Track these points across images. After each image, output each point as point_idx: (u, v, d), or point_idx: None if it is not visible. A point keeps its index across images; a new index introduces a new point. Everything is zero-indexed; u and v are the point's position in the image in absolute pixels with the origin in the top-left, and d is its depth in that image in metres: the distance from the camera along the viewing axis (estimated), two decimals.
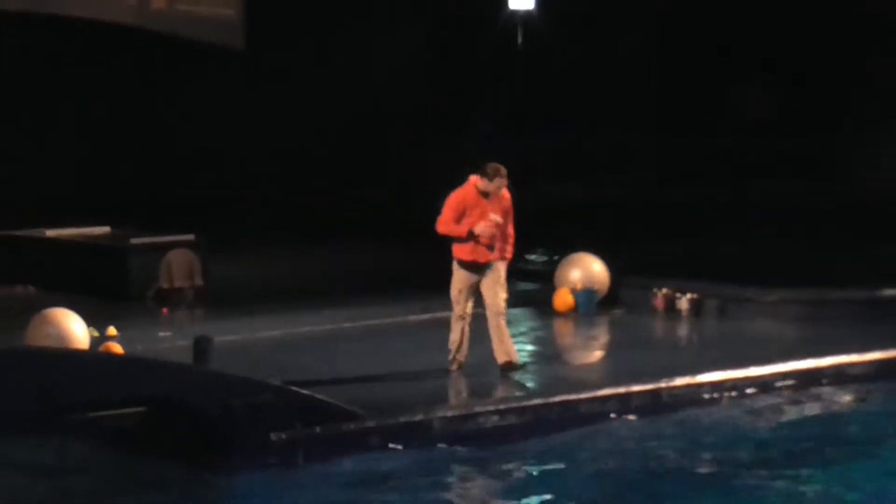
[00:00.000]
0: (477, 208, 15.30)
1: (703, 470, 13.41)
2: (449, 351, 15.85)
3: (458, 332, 15.76)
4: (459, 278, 15.58)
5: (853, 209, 29.47)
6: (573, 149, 34.50)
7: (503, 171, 15.42)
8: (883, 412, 15.55)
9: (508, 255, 15.75)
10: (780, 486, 12.78)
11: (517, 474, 13.19)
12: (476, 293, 15.69)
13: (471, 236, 15.27)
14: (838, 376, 16.38)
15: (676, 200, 30.33)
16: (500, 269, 15.65)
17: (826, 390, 16.06)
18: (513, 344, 16.01)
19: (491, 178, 15.37)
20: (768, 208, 29.41)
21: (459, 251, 15.43)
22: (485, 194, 15.39)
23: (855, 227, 26.72)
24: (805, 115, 34.93)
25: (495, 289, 15.62)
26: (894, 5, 33.69)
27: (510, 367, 15.78)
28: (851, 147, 33.90)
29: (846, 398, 15.89)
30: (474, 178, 15.49)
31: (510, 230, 15.67)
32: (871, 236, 25.04)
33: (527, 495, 12.69)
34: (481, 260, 15.43)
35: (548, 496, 12.69)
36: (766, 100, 36.19)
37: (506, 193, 15.57)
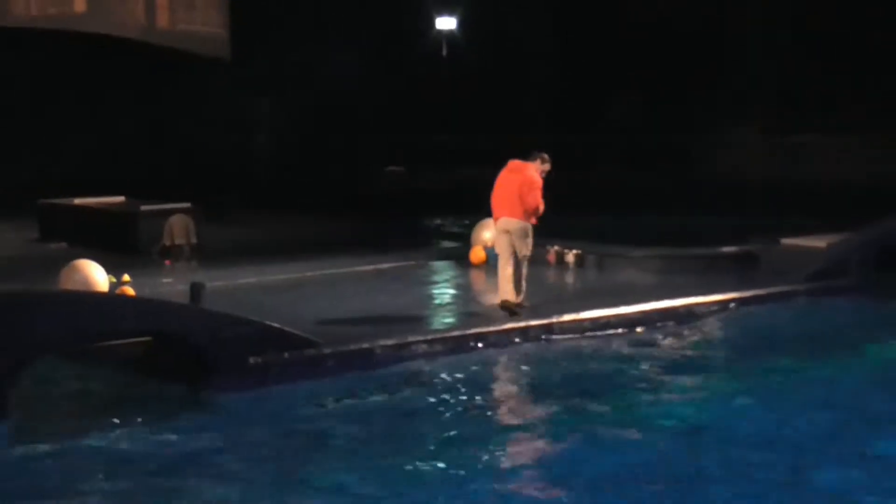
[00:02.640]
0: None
1: (586, 383, 13.47)
2: (521, 290, 15.68)
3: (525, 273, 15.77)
4: (531, 239, 15.58)
5: (699, 189, 29.70)
6: (484, 141, 34.55)
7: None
8: (719, 341, 15.67)
9: None
10: (641, 396, 12.88)
11: (442, 386, 13.18)
12: None
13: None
14: (687, 314, 16.46)
15: (565, 182, 30.36)
16: None
17: (678, 324, 16.14)
18: (513, 287, 15.80)
19: (543, 163, 15.63)
20: (636, 189, 29.56)
21: (535, 220, 15.49)
22: None
23: (700, 202, 26.93)
24: (664, 118, 35.16)
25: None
26: (733, 36, 34.07)
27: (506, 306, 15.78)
28: (698, 143, 34.16)
29: (693, 330, 15.96)
30: (535, 165, 15.54)
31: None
32: (711, 209, 25.25)
33: (449, 399, 12.70)
34: None
35: (466, 399, 12.74)
36: (635, 106, 36.36)
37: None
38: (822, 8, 32.89)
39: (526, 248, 15.60)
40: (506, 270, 15.62)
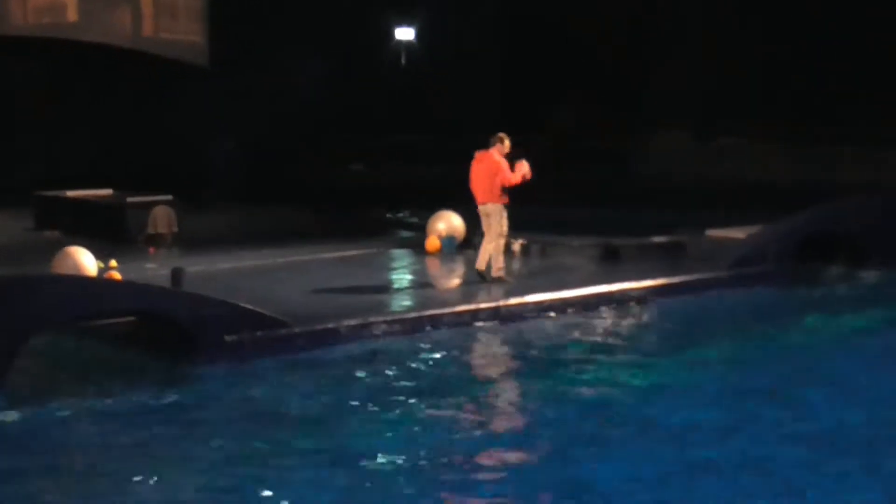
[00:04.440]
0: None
1: (529, 362, 13.55)
2: (501, 268, 16.44)
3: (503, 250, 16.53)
4: (505, 216, 16.23)
5: (633, 187, 29.83)
6: (439, 141, 34.56)
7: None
8: (651, 321, 15.76)
9: None
10: (583, 374, 12.93)
11: (400, 363, 13.22)
12: None
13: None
14: (622, 297, 16.53)
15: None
16: None
17: (613, 306, 16.21)
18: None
19: (502, 143, 16.18)
20: (576, 185, 29.64)
21: (507, 199, 16.15)
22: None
23: (633, 198, 27.05)
24: (601, 122, 35.21)
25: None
26: (663, 50, 34.17)
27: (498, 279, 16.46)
28: (632, 146, 34.25)
29: (627, 312, 16.05)
30: (496, 149, 16.07)
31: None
32: (644, 204, 25.41)
33: (404, 373, 12.75)
34: None
35: (419, 373, 12.77)
36: (574, 110, 36.36)
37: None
38: (748, 17, 32.98)
39: (499, 227, 16.27)
40: (489, 245, 16.39)
